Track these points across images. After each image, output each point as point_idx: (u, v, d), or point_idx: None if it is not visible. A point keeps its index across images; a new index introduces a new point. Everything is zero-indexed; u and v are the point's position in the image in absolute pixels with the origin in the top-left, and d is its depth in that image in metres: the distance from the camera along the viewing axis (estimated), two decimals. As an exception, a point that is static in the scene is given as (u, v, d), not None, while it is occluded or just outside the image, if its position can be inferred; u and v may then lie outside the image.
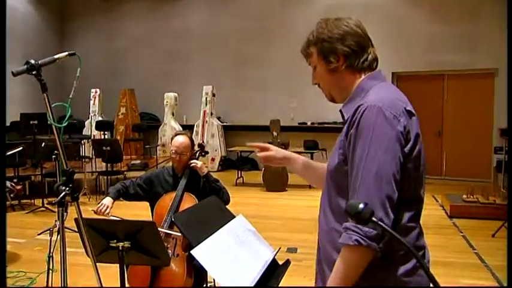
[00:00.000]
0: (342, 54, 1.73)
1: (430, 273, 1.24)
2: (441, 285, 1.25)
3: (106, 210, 3.48)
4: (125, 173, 9.02)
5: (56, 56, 1.93)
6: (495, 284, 4.62)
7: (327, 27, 1.75)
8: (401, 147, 1.57)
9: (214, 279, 4.22)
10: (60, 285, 1.85)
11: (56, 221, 6.55)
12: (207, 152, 4.05)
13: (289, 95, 11.52)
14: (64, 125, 1.82)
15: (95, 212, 3.44)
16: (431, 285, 1.25)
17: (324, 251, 1.77)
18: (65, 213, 2.59)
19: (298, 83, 10.82)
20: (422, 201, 1.71)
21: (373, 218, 1.22)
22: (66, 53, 1.97)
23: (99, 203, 3.52)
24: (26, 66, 1.83)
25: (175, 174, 3.85)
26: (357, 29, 1.75)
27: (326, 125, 10.79)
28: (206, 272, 3.71)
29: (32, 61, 1.81)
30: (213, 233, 1.93)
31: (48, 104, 1.81)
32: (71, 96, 1.84)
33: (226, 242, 1.95)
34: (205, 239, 1.86)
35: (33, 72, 1.82)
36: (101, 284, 1.94)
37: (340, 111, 1.78)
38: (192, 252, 1.77)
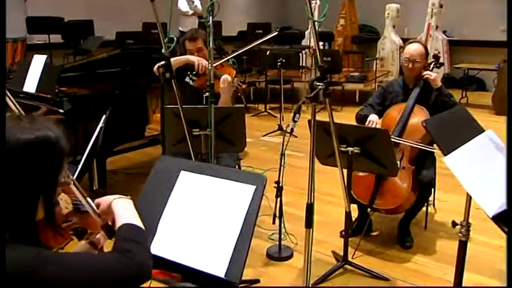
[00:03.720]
0: None
1: None
2: None
3: (376, 126, 3.47)
4: (343, 84, 9.03)
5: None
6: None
7: None
8: None
9: (434, 199, 4.08)
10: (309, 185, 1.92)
11: (278, 125, 6.93)
12: (442, 64, 3.78)
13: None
14: (322, 19, 1.82)
15: None
16: None
17: None
18: (298, 115, 2.68)
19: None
20: None
21: None
22: None
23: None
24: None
25: (405, 85, 3.70)
26: None
27: None
28: (430, 189, 3.59)
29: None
30: (465, 142, 1.80)
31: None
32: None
33: (479, 153, 1.80)
34: (457, 148, 1.74)
35: None
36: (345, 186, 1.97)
37: None
38: (445, 159, 1.68)
